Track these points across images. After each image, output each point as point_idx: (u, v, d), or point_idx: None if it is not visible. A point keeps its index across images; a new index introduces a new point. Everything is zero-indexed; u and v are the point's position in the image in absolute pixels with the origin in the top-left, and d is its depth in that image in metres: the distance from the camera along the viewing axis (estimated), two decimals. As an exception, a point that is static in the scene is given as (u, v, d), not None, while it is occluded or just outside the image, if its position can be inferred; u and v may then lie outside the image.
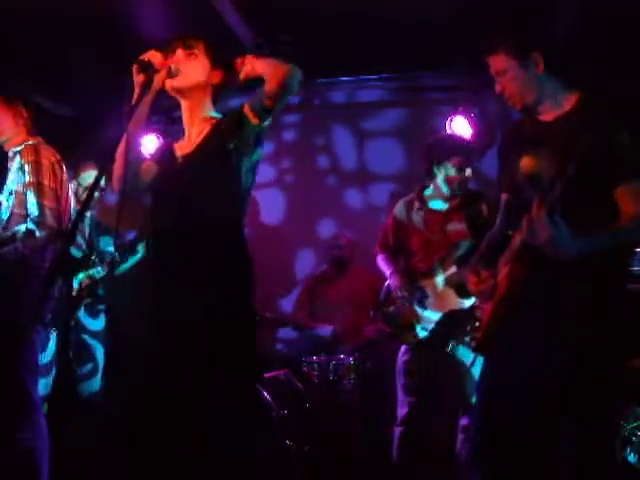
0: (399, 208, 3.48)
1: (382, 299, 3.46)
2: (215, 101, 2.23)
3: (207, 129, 2.16)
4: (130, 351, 2.09)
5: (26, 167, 2.68)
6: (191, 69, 2.13)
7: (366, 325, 4.21)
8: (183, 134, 2.26)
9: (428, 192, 3.38)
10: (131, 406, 2.03)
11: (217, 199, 2.09)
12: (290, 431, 3.43)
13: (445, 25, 3.81)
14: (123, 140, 2.04)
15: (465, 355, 3.12)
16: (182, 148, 2.21)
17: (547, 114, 2.07)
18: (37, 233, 2.61)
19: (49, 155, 2.76)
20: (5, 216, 2.71)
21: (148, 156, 2.27)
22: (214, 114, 2.22)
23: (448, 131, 4.47)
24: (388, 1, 3.76)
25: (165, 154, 2.25)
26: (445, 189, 3.28)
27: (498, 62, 2.08)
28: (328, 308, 4.38)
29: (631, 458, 2.88)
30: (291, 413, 3.49)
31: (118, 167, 2.04)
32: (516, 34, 2.10)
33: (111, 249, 3.73)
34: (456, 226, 3.26)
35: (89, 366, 3.70)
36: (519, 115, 2.21)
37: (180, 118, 2.26)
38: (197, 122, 2.20)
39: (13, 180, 2.73)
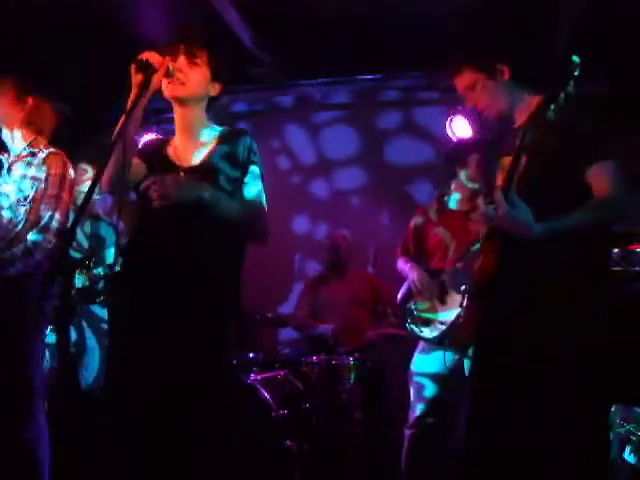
0: (418, 213, 3.55)
1: (402, 296, 3.45)
2: (208, 110, 2.25)
3: (210, 146, 2.19)
4: (130, 352, 2.08)
5: (50, 178, 2.68)
6: (192, 79, 2.14)
7: (367, 327, 4.22)
8: (172, 135, 2.26)
9: (452, 185, 3.44)
10: (129, 406, 2.03)
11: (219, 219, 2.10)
12: (290, 431, 3.43)
13: (446, 25, 3.82)
14: (118, 140, 2.01)
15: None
16: (180, 157, 2.19)
17: (519, 119, 2.13)
18: (35, 251, 2.60)
19: (70, 167, 2.77)
20: (20, 220, 2.67)
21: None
22: (214, 127, 2.25)
23: (448, 131, 4.48)
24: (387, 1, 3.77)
25: (158, 158, 2.21)
26: (469, 184, 3.33)
27: (465, 79, 2.15)
28: (328, 308, 4.38)
29: (631, 458, 2.87)
30: (291, 413, 3.49)
31: (110, 168, 1.99)
32: (476, 51, 2.18)
33: (112, 235, 3.76)
34: (476, 225, 3.28)
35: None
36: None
37: (170, 119, 2.26)
38: (194, 132, 2.22)
39: (28, 183, 2.69)
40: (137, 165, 2.18)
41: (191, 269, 2.07)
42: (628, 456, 2.85)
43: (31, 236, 2.63)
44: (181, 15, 3.64)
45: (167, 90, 2.12)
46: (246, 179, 2.19)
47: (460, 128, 4.45)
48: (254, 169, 2.20)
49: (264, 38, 4.14)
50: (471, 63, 2.14)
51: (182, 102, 2.18)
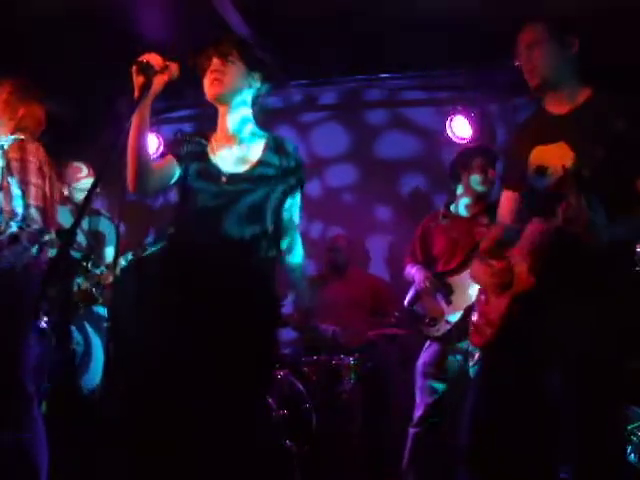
0: (426, 221, 3.62)
1: (410, 299, 3.50)
2: (254, 103, 2.27)
3: (255, 155, 2.19)
4: (136, 351, 2.09)
5: (12, 164, 2.66)
6: (228, 74, 2.16)
7: (367, 328, 4.22)
8: (212, 132, 2.27)
9: (459, 191, 3.50)
10: (136, 406, 2.03)
11: (261, 222, 2.14)
12: (290, 431, 3.43)
13: (445, 25, 3.81)
14: (130, 142, 2.03)
15: None
16: (223, 161, 2.20)
17: (559, 106, 2.09)
18: (22, 236, 2.59)
19: (36, 152, 2.74)
20: None
21: (162, 151, 2.26)
22: (259, 133, 2.26)
23: (448, 131, 4.49)
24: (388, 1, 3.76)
25: (198, 157, 2.22)
26: (479, 187, 3.39)
27: (533, 33, 2.08)
28: (328, 309, 4.38)
29: (631, 458, 2.88)
30: (291, 413, 3.49)
31: (130, 169, 2.05)
32: (558, 11, 2.15)
33: (112, 231, 3.76)
34: (481, 229, 3.31)
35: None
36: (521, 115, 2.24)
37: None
38: (237, 133, 2.23)
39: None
40: (171, 163, 2.19)
41: (229, 271, 2.09)
42: (628, 456, 2.85)
43: (14, 225, 2.61)
44: (181, 15, 3.64)
45: (208, 92, 2.17)
46: (289, 203, 2.22)
47: (460, 128, 4.46)
48: (297, 194, 2.24)
49: (266, 39, 4.13)
50: (548, 20, 2.08)
51: (223, 100, 2.20)
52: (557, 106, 2.10)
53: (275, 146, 2.22)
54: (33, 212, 2.61)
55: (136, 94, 1.97)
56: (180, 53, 2.16)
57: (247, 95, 2.24)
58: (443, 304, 3.31)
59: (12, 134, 2.76)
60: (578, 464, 1.94)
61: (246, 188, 2.14)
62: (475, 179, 3.39)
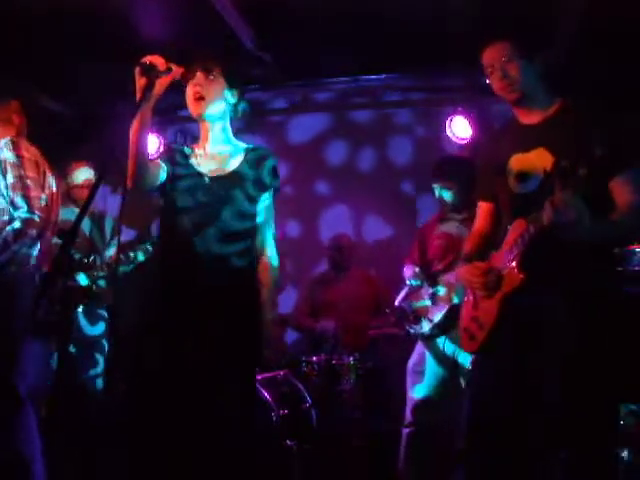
0: (424, 226, 3.64)
1: (401, 297, 3.49)
2: (232, 118, 2.39)
3: (239, 157, 2.35)
4: (135, 352, 2.12)
5: (7, 163, 2.69)
6: (210, 90, 2.27)
7: (368, 328, 4.23)
8: (193, 142, 2.40)
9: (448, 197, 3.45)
10: (136, 406, 2.05)
11: (244, 226, 2.28)
12: (290, 431, 3.44)
13: (445, 25, 3.81)
14: (132, 142, 2.08)
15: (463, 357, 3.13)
16: (205, 164, 2.33)
17: (532, 116, 2.15)
18: (28, 229, 2.61)
19: (28, 147, 2.77)
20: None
21: (154, 155, 2.34)
22: (238, 145, 2.40)
23: (448, 132, 4.48)
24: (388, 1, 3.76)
25: (183, 167, 2.33)
26: (450, 200, 3.37)
27: (503, 49, 2.13)
28: (328, 308, 4.39)
29: (627, 456, 2.89)
30: (291, 413, 3.50)
31: (130, 166, 2.11)
32: (524, 30, 2.20)
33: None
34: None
35: (91, 371, 3.68)
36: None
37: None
38: (218, 146, 2.35)
39: None
40: (158, 166, 2.27)
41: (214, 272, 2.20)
42: (624, 454, 2.87)
43: (17, 221, 2.62)
44: (181, 15, 3.64)
45: (191, 109, 2.28)
46: (261, 206, 2.36)
47: (460, 129, 4.44)
48: (268, 197, 2.38)
49: (264, 39, 4.14)
50: (511, 38, 2.13)
51: (205, 118, 2.31)
52: (530, 117, 2.16)
53: (253, 159, 2.37)
54: (36, 203, 2.66)
55: (138, 95, 1.98)
56: (182, 54, 2.17)
57: (225, 110, 2.36)
58: (428, 302, 3.29)
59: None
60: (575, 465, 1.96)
61: (223, 192, 2.28)
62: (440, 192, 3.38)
